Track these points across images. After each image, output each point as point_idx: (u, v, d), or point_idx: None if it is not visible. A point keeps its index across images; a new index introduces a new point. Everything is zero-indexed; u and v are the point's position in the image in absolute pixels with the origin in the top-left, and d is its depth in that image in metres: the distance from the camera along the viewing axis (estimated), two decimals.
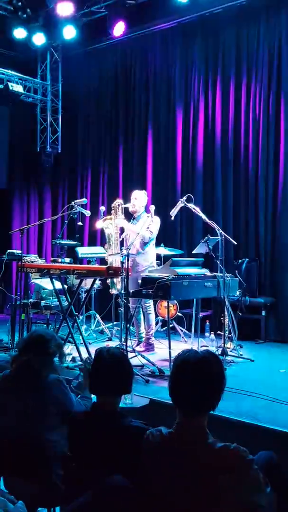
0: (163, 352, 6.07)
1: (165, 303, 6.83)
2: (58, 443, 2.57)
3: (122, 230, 6.54)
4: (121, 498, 2.05)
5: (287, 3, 7.31)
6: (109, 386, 2.45)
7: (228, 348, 5.99)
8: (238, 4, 7.70)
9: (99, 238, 9.08)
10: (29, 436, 2.56)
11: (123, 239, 6.48)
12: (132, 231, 6.21)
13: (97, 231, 8.68)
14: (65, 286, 6.61)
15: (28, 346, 2.84)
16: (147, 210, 6.43)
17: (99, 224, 6.65)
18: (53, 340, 2.87)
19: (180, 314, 7.43)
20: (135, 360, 5.33)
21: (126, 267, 5.33)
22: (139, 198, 6.43)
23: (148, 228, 6.09)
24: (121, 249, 6.20)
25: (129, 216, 6.58)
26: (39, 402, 2.64)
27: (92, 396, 2.79)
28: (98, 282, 7.07)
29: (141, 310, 6.38)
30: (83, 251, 7.61)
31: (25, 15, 7.99)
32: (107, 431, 2.35)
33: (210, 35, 8.16)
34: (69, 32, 8.66)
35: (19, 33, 8.62)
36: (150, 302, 6.32)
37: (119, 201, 6.52)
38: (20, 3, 7.82)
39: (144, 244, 6.20)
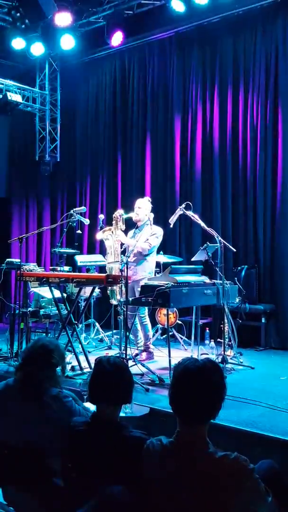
0: (163, 360, 6.05)
1: (164, 311, 6.83)
2: (58, 453, 2.55)
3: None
4: (121, 509, 2.04)
5: (283, 12, 7.36)
6: (109, 396, 2.43)
7: (228, 355, 5.97)
8: (235, 13, 7.75)
9: (98, 247, 9.08)
10: (29, 447, 2.55)
11: (125, 249, 6.45)
12: (130, 245, 6.18)
13: (96, 240, 8.68)
14: (64, 295, 6.60)
15: (31, 356, 2.81)
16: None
17: (99, 236, 6.63)
18: (57, 351, 2.84)
19: (179, 322, 7.42)
20: (134, 369, 5.31)
21: (126, 275, 5.32)
22: (143, 207, 6.35)
23: (147, 240, 6.04)
24: (121, 258, 6.19)
25: (132, 225, 6.55)
26: (40, 414, 2.62)
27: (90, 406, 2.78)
28: (97, 290, 7.07)
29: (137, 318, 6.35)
30: (82, 259, 7.60)
31: (23, 26, 8.02)
32: (107, 441, 2.33)
33: (207, 44, 8.21)
34: (68, 42, 8.70)
35: (18, 43, 8.66)
36: (145, 312, 6.31)
37: (120, 211, 6.47)
38: (18, 14, 7.86)
39: (142, 256, 6.17)
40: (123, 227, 6.40)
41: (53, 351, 2.81)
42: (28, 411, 2.63)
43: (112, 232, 6.39)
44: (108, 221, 6.68)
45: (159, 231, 6.25)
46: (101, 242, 7.37)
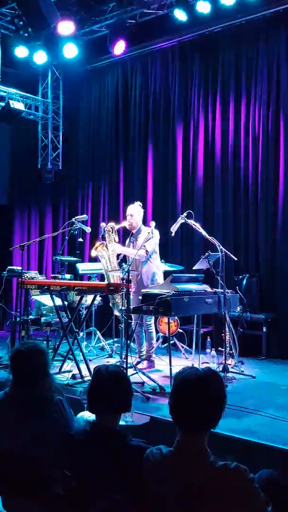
0: (164, 368, 6.04)
1: (165, 319, 6.81)
2: (58, 462, 2.54)
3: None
4: None
5: (285, 22, 7.40)
6: (108, 405, 2.42)
7: (229, 364, 5.96)
8: (237, 23, 7.79)
9: None
10: (28, 456, 2.54)
11: (124, 256, 6.45)
12: (130, 254, 6.17)
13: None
14: (66, 303, 6.60)
15: (14, 367, 2.80)
16: (147, 223, 6.40)
17: (93, 253, 6.63)
18: (35, 356, 2.77)
19: (181, 330, 7.40)
20: (135, 377, 5.30)
21: (127, 283, 5.32)
22: (135, 214, 6.34)
23: (143, 246, 6.02)
24: (121, 266, 6.19)
25: (127, 233, 6.54)
26: (37, 423, 2.61)
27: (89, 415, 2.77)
28: (98, 298, 7.07)
29: (142, 327, 6.34)
30: (83, 267, 7.61)
31: (26, 34, 8.09)
32: (107, 450, 2.32)
33: (210, 54, 8.25)
34: (70, 51, 8.74)
35: (21, 51, 8.70)
36: (151, 320, 6.30)
37: (111, 224, 6.49)
38: (21, 22, 7.92)
39: (141, 263, 6.16)
40: (116, 239, 6.41)
41: (32, 358, 2.76)
42: (25, 420, 2.62)
43: (106, 246, 6.39)
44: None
45: (156, 234, 6.16)
46: None
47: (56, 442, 2.55)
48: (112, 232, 6.40)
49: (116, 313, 6.49)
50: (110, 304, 6.57)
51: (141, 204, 6.53)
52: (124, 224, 6.42)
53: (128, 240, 6.47)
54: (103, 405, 2.43)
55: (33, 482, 2.52)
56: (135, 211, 6.37)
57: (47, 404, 2.69)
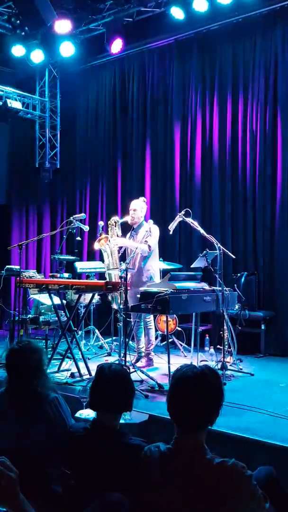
0: (163, 367, 6.04)
1: (164, 318, 6.82)
2: (56, 461, 2.54)
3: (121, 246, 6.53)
4: None
5: (282, 19, 7.40)
6: (110, 403, 2.43)
7: (228, 362, 5.96)
8: (234, 21, 7.79)
9: (97, 253, 9.08)
10: (25, 455, 2.54)
11: (125, 251, 6.45)
12: (131, 247, 6.17)
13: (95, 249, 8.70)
14: (64, 301, 6.60)
15: (9, 366, 2.81)
16: (146, 218, 6.41)
17: (96, 246, 6.63)
18: (28, 354, 2.78)
19: (179, 329, 7.41)
20: (134, 375, 5.29)
21: (125, 281, 5.32)
22: (138, 209, 6.34)
23: (146, 242, 6.05)
24: (120, 264, 6.18)
25: (128, 227, 6.55)
26: (33, 421, 2.61)
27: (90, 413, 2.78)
28: (97, 297, 7.07)
29: (142, 325, 6.34)
30: (81, 266, 7.61)
31: (23, 33, 8.09)
32: (107, 449, 2.33)
33: (207, 52, 8.24)
34: (67, 49, 8.73)
35: (18, 50, 8.69)
36: (151, 317, 6.30)
37: (115, 218, 6.49)
38: (18, 21, 7.92)
39: (144, 258, 6.16)
40: (120, 233, 6.40)
41: (28, 357, 2.77)
42: (24, 418, 2.63)
43: (109, 240, 6.39)
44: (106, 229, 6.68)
45: (156, 230, 6.19)
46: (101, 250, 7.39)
47: (53, 440, 2.56)
48: (115, 226, 6.40)
49: (115, 306, 6.49)
50: (109, 298, 6.57)
51: (145, 200, 6.52)
52: (127, 218, 6.41)
53: (129, 234, 6.46)
54: (105, 403, 2.43)
55: (31, 481, 2.52)
56: (138, 206, 6.36)
57: (43, 402, 2.69)
